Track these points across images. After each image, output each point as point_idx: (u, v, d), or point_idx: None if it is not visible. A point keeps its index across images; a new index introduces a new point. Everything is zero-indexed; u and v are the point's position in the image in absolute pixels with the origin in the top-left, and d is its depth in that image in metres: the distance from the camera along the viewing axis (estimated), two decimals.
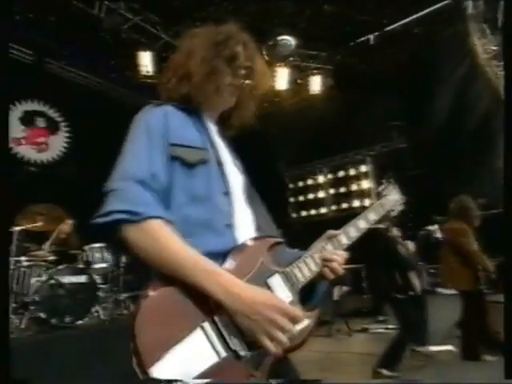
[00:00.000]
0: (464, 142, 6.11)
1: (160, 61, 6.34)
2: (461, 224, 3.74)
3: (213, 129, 1.18)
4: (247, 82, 1.16)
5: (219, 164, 1.09)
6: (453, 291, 3.81)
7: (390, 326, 5.41)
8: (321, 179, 9.34)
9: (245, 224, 1.06)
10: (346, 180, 8.87)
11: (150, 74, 6.29)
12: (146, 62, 6.28)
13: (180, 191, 1.00)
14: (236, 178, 1.13)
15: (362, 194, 8.60)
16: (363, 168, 8.65)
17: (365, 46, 7.02)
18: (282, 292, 0.97)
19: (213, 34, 1.16)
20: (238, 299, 0.84)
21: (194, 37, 1.18)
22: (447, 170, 6.12)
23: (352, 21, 6.47)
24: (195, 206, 1.00)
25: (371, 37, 7.01)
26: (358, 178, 8.72)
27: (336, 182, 9.04)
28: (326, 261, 1.08)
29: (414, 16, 6.53)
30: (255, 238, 1.01)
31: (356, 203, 8.60)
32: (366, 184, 8.59)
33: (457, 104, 6.22)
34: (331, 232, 1.16)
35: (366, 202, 8.37)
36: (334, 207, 9.01)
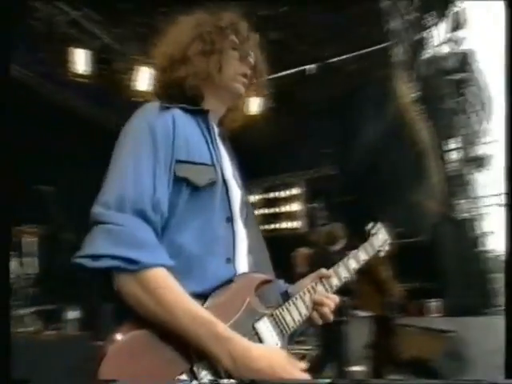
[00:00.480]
0: (387, 174, 6.63)
1: (98, 61, 6.03)
2: None
3: (216, 132, 1.03)
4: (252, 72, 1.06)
5: (224, 182, 0.95)
6: (368, 313, 4.03)
7: (308, 347, 5.52)
8: (251, 199, 9.46)
9: (244, 255, 0.95)
10: (277, 201, 9.08)
11: (84, 73, 5.94)
12: (80, 59, 5.92)
13: (178, 218, 0.85)
14: (237, 197, 1.00)
15: (291, 216, 8.84)
16: (294, 191, 8.94)
17: (304, 75, 7.38)
18: (270, 338, 0.87)
19: (214, 19, 1.04)
20: (249, 372, 0.74)
21: (187, 23, 1.05)
22: (372, 199, 6.56)
23: (295, 50, 6.79)
24: (193, 236, 0.86)
25: (311, 67, 7.41)
26: (288, 200, 8.98)
27: (266, 203, 9.20)
28: (316, 304, 1.01)
29: (351, 54, 7.07)
30: (242, 275, 0.91)
31: (284, 225, 8.82)
32: (295, 207, 8.87)
33: (383, 139, 6.76)
34: (323, 272, 1.08)
35: (295, 224, 8.63)
36: (262, 227, 9.14)
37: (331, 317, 1.02)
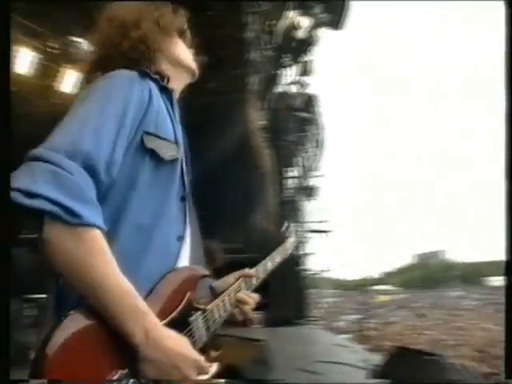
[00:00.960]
0: (230, 191, 7.00)
1: None
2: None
3: (177, 112, 1.01)
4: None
5: (181, 161, 0.94)
6: None
7: None
8: None
9: (190, 236, 0.96)
10: None
11: None
12: None
13: (139, 192, 0.82)
14: (187, 177, 0.99)
15: None
16: None
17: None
18: (199, 333, 0.86)
19: (159, 9, 1.05)
20: (158, 348, 0.71)
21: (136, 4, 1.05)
22: (214, 214, 6.80)
23: None
24: (152, 212, 0.84)
25: None
26: None
27: None
28: (239, 302, 1.04)
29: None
30: (185, 268, 0.91)
31: None
32: None
33: (229, 158, 7.14)
34: (246, 271, 1.12)
35: None
36: None
37: (251, 314, 1.06)
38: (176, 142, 0.93)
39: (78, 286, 0.70)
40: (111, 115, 0.79)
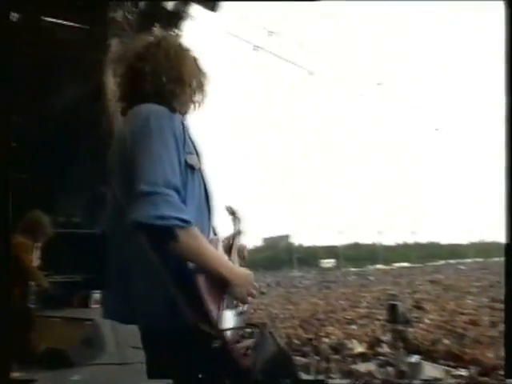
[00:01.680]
0: (73, 158, 6.32)
1: None
2: (25, 239, 3.66)
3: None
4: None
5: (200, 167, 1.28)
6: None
7: None
8: None
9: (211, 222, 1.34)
10: None
11: None
12: None
13: (189, 196, 1.19)
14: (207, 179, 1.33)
15: None
16: None
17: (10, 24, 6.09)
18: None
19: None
20: (238, 279, 1.19)
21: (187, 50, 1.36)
22: (50, 182, 6.04)
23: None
24: (195, 209, 1.21)
25: (14, 16, 6.22)
26: None
27: None
28: (242, 248, 1.57)
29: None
30: (215, 237, 1.31)
31: None
32: None
33: (75, 123, 6.43)
34: (237, 233, 1.59)
35: None
36: None
37: (246, 253, 1.60)
38: (197, 155, 1.27)
39: (201, 264, 1.12)
40: (172, 150, 1.15)
